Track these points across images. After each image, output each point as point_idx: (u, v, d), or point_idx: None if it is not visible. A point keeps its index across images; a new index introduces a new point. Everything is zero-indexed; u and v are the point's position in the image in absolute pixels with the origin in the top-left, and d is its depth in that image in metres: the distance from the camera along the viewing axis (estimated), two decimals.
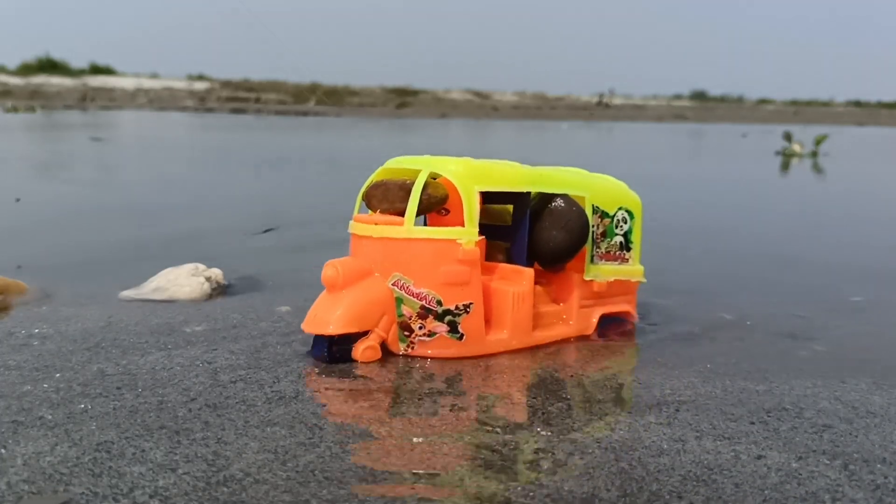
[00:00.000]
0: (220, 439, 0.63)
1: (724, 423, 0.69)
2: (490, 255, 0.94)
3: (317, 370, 0.80)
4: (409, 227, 0.83)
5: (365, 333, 0.82)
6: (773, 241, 1.80)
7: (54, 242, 1.54)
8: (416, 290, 0.83)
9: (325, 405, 0.71)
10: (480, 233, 0.88)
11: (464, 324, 0.84)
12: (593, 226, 0.95)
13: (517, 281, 0.89)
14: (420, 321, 0.83)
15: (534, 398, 0.75)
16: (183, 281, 1.10)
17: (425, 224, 0.94)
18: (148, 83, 17.58)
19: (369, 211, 0.90)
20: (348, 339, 0.82)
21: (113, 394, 0.72)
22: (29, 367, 0.79)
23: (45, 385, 0.74)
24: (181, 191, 2.60)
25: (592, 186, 0.96)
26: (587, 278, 0.95)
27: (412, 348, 0.84)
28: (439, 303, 0.83)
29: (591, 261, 0.95)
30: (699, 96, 23.63)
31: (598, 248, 0.96)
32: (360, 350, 0.82)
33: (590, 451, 0.63)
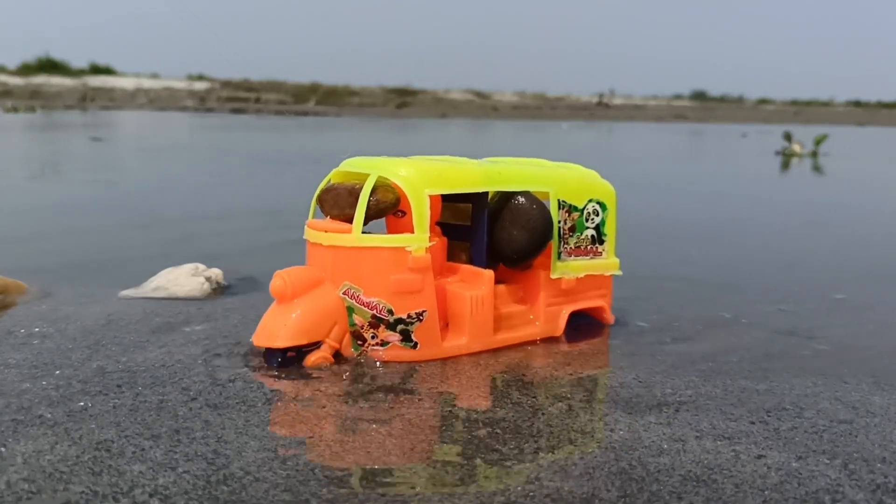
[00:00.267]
0: (220, 438, 0.63)
1: (724, 423, 0.69)
2: (453, 255, 0.91)
3: (317, 370, 0.80)
4: (356, 234, 0.80)
5: (317, 344, 0.80)
6: (772, 240, 1.80)
7: (54, 242, 1.54)
8: (366, 300, 0.80)
9: (324, 405, 0.71)
10: (444, 232, 0.86)
11: (417, 332, 0.82)
12: (560, 221, 0.91)
13: (476, 284, 0.86)
14: (372, 330, 0.81)
15: (534, 398, 0.75)
16: (183, 281, 1.10)
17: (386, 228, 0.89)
18: (148, 83, 17.58)
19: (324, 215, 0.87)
20: (299, 350, 0.80)
21: (113, 392, 0.72)
22: (28, 365, 0.79)
23: (45, 383, 0.74)
24: (181, 191, 2.60)
25: (557, 180, 0.92)
26: (554, 276, 0.92)
27: (364, 358, 0.82)
28: (390, 312, 0.80)
29: (559, 258, 0.92)
30: (699, 96, 23.64)
31: (567, 244, 0.93)
32: (311, 360, 0.80)
33: (590, 451, 0.63)
